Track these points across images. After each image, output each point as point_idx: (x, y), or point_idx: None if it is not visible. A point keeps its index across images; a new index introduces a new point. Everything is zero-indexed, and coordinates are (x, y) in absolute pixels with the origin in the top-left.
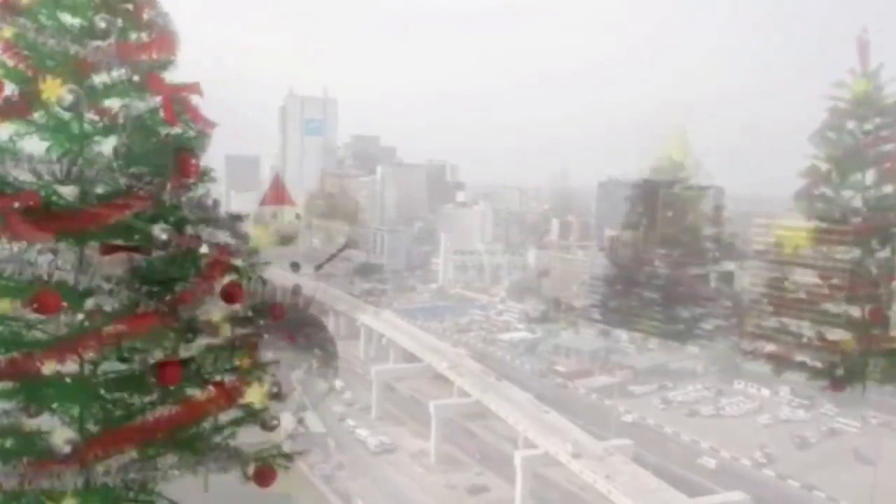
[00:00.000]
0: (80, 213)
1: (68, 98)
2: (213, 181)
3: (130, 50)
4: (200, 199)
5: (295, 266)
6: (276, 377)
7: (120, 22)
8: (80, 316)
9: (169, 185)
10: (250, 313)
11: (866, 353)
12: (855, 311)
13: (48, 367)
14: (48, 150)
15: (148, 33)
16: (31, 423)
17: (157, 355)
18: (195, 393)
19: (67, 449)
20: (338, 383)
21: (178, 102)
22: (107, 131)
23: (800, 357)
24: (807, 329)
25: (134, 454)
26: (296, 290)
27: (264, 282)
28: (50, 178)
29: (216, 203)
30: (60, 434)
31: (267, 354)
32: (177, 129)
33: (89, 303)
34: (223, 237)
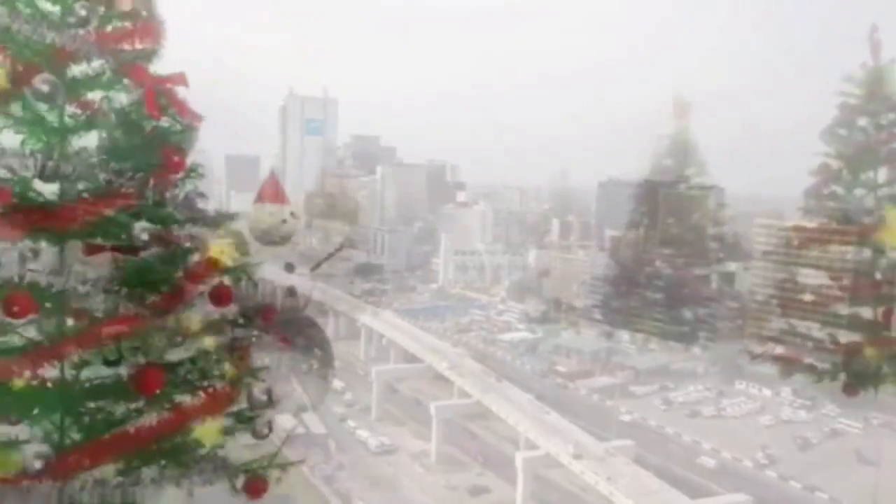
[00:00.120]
0: (57, 211)
1: (43, 88)
2: (200, 177)
3: (112, 39)
4: (188, 197)
5: (290, 267)
6: (267, 383)
7: (101, 10)
8: (60, 319)
9: (151, 182)
10: (240, 316)
11: (880, 356)
12: (866, 313)
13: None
14: (23, 143)
15: (131, 22)
16: (10, 432)
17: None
18: (182, 400)
19: (38, 464)
20: (338, 384)
21: (164, 95)
22: (89, 125)
23: (810, 360)
24: (816, 331)
25: (114, 467)
26: (291, 292)
27: (255, 283)
28: (26, 173)
29: (204, 200)
30: (30, 448)
31: (263, 358)
32: (164, 123)
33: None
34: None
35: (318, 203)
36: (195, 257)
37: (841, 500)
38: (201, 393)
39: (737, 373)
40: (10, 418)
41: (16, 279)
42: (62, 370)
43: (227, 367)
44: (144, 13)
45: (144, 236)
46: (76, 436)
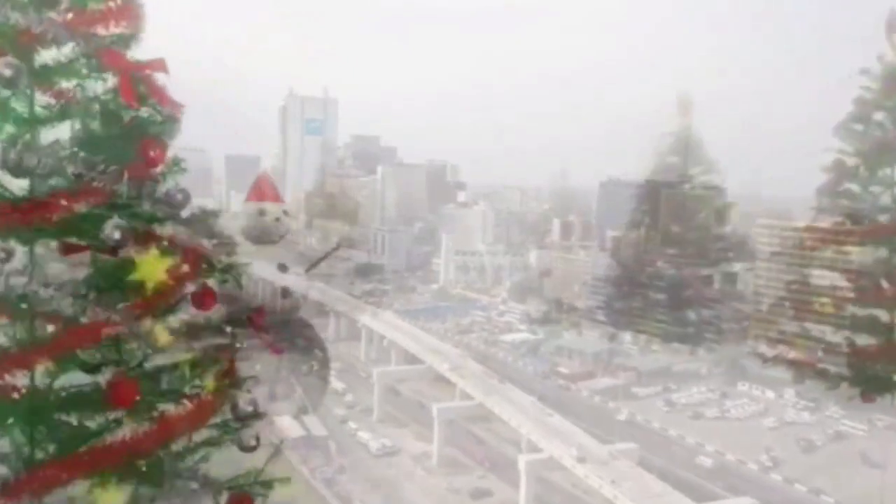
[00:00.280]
0: (23, 208)
1: (5, 72)
2: (181, 172)
3: (85, 21)
4: (168, 193)
5: (283, 267)
6: (253, 394)
7: None
8: (29, 325)
9: (126, 176)
10: (225, 322)
11: None
12: (883, 316)
13: None
14: None
15: (107, 4)
16: None
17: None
18: (165, 410)
19: None
20: (339, 385)
21: (142, 82)
22: (63, 116)
23: (825, 364)
24: (829, 334)
25: (87, 483)
26: (285, 293)
27: (241, 286)
28: None
29: (186, 197)
30: None
31: (251, 365)
32: (143, 114)
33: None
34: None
35: (318, 203)
36: (178, 257)
37: None
38: (183, 404)
39: (740, 374)
40: None
41: None
42: (32, 378)
43: (209, 377)
44: None
45: (116, 235)
46: (48, 450)
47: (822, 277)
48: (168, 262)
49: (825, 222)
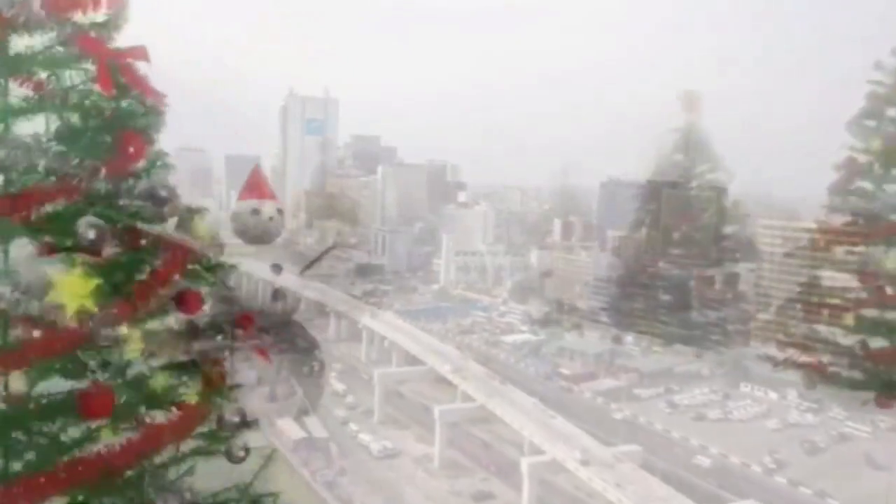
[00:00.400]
0: None
1: None
2: (166, 168)
3: (60, 4)
4: (152, 190)
5: (277, 268)
6: (240, 403)
7: None
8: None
9: (103, 171)
10: (209, 326)
11: None
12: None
13: None
14: None
15: None
16: None
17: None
18: (149, 418)
19: None
20: (340, 387)
21: (122, 71)
22: (41, 107)
23: (837, 368)
24: (840, 337)
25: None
26: (277, 295)
27: (229, 288)
28: None
29: (171, 193)
30: None
31: (238, 373)
32: (125, 105)
33: None
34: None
35: (318, 203)
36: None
37: None
38: (166, 413)
39: (742, 375)
40: None
41: None
42: (6, 386)
43: (194, 385)
44: None
45: (91, 234)
46: (23, 462)
47: (832, 279)
48: (91, 284)
49: (836, 221)
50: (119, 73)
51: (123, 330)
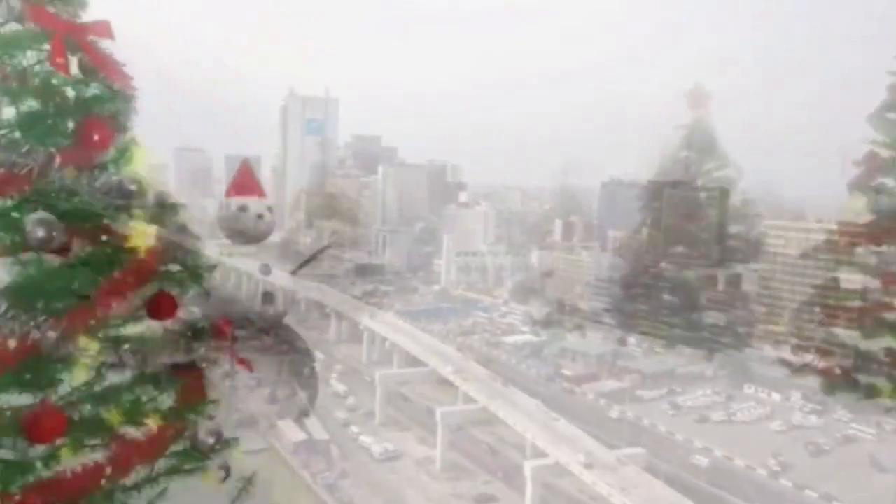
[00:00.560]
0: None
1: None
2: (130, 161)
3: None
4: (120, 184)
5: (265, 268)
6: (216, 422)
7: None
8: None
9: (58, 160)
10: (184, 334)
11: None
12: None
13: None
14: None
15: None
16: None
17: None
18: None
19: None
20: (341, 388)
21: (83, 49)
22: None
23: (857, 373)
24: (858, 339)
25: None
26: (268, 297)
27: (207, 292)
28: None
29: (141, 188)
30: None
31: (217, 386)
32: (94, 90)
33: None
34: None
35: (318, 203)
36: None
37: None
38: (134, 431)
39: (745, 376)
40: None
41: None
42: None
43: (165, 399)
44: None
45: (40, 232)
46: None
47: (848, 280)
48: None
49: (859, 220)
50: (79, 50)
51: (81, 340)
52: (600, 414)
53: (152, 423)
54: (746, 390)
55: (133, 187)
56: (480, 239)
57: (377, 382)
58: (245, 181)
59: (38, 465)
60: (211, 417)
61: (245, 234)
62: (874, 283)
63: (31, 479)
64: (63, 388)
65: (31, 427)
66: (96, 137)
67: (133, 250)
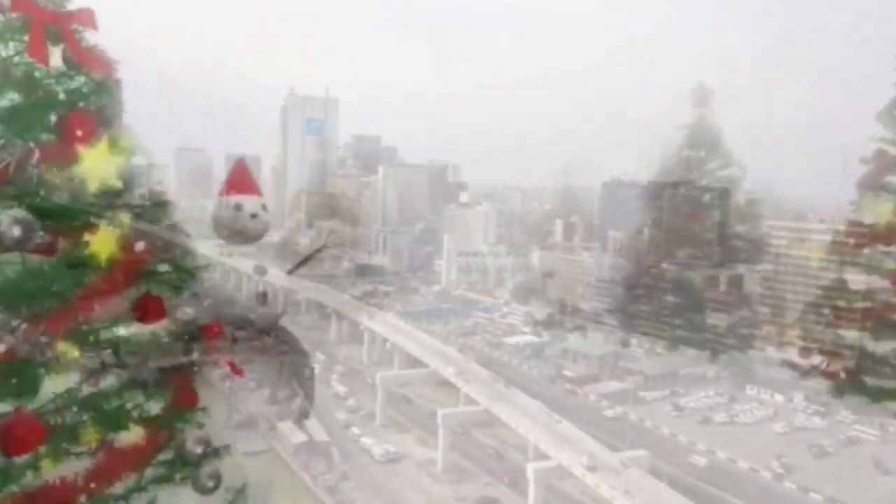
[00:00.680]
0: None
1: None
2: (123, 154)
3: None
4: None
5: (260, 269)
6: (205, 430)
7: None
8: None
9: (37, 155)
10: (171, 338)
11: None
12: None
13: None
14: None
15: None
16: None
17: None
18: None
19: None
20: (342, 389)
21: (65, 39)
22: None
23: (867, 377)
24: (868, 342)
25: None
26: (262, 298)
27: (197, 294)
28: None
29: (129, 184)
30: None
31: (207, 392)
32: (77, 83)
33: None
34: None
35: (317, 202)
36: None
37: None
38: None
39: (747, 377)
40: None
41: None
42: None
43: (152, 407)
44: None
45: (16, 231)
46: None
47: (854, 282)
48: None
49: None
50: (61, 40)
51: (60, 345)
52: (602, 415)
53: (137, 432)
54: (749, 392)
55: (120, 185)
56: (481, 239)
57: (378, 384)
58: (239, 179)
59: (26, 473)
60: (200, 426)
61: (241, 233)
62: (883, 284)
63: (15, 488)
64: (46, 395)
65: (4, 438)
66: (79, 133)
67: (94, 256)
